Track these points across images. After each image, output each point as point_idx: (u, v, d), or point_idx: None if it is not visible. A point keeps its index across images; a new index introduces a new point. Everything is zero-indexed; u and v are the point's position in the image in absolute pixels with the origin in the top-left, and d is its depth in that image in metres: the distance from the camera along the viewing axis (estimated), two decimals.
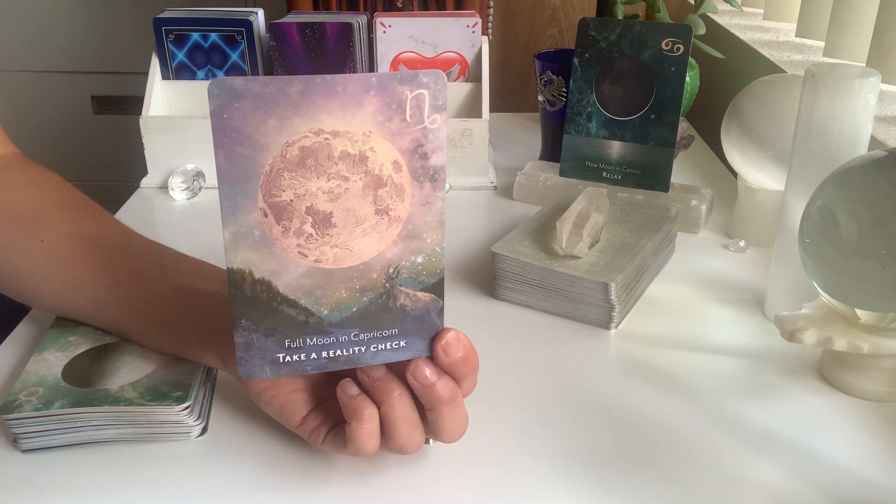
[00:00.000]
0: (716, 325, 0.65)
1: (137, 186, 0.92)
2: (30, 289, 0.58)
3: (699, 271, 0.74)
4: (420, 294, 0.44)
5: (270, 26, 0.92)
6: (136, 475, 0.48)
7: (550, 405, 0.55)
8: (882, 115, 0.80)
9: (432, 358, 0.45)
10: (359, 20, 0.94)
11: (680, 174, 0.94)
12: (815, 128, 0.58)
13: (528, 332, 0.64)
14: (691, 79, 0.99)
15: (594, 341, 0.63)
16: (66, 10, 1.89)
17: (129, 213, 0.87)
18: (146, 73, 0.94)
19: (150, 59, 0.94)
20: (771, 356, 0.61)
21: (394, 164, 0.40)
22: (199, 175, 0.90)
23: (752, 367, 0.60)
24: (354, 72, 0.94)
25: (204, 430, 0.52)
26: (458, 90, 0.97)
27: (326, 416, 0.48)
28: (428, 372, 0.44)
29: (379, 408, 0.45)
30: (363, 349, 0.44)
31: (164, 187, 0.91)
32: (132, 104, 1.61)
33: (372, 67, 0.98)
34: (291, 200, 0.40)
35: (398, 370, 0.45)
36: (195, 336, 0.51)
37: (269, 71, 0.96)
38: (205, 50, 0.93)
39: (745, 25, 1.17)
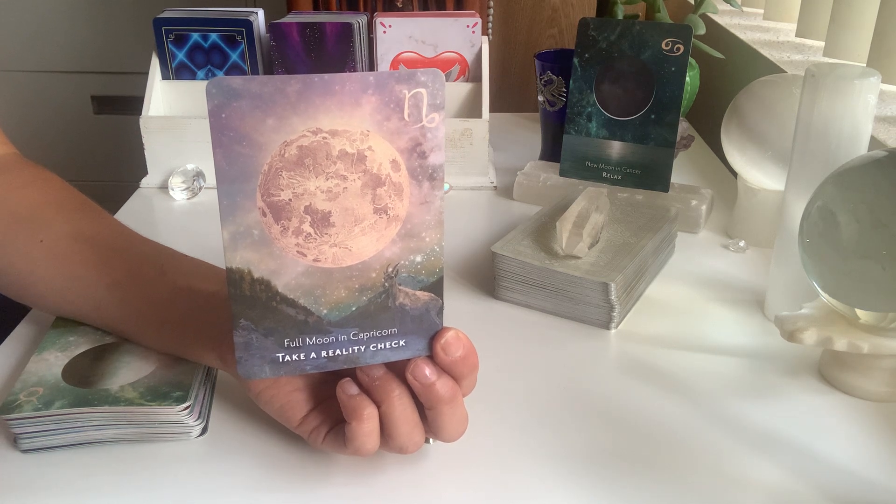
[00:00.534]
0: (716, 325, 0.65)
1: (137, 186, 0.92)
2: (29, 289, 0.58)
3: (699, 271, 0.74)
4: (419, 293, 0.44)
5: (270, 26, 0.92)
6: (136, 475, 0.48)
7: (550, 405, 0.55)
8: (882, 115, 0.80)
9: (432, 357, 0.45)
10: (359, 20, 0.94)
11: (680, 174, 0.94)
12: (815, 128, 0.58)
13: (528, 332, 0.64)
14: (691, 79, 0.99)
15: (594, 341, 0.63)
16: (66, 10, 1.89)
17: (129, 213, 0.87)
18: (146, 73, 0.94)
19: (150, 59, 0.94)
20: (771, 356, 0.61)
21: (392, 163, 0.40)
22: (198, 175, 0.90)
23: (752, 367, 0.60)
24: (354, 72, 0.94)
25: (204, 430, 0.52)
26: (458, 90, 0.97)
27: (326, 416, 0.47)
28: (427, 371, 0.44)
29: (379, 407, 0.45)
30: (362, 348, 0.44)
31: (164, 187, 0.91)
32: (132, 104, 1.60)
33: (372, 67, 0.98)
34: (290, 200, 0.40)
35: (398, 369, 0.45)
36: (195, 336, 0.51)
37: (269, 71, 0.96)
38: (205, 50, 0.93)
39: (745, 25, 1.17)
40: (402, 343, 0.44)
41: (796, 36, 1.07)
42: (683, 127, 0.86)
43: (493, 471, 0.49)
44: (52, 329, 0.57)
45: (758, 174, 0.75)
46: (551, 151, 0.95)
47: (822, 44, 1.00)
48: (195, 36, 0.93)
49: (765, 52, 1.02)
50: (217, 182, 0.38)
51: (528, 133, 1.11)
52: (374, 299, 0.43)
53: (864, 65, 0.87)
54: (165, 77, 0.95)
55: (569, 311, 0.66)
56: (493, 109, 1.09)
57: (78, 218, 0.60)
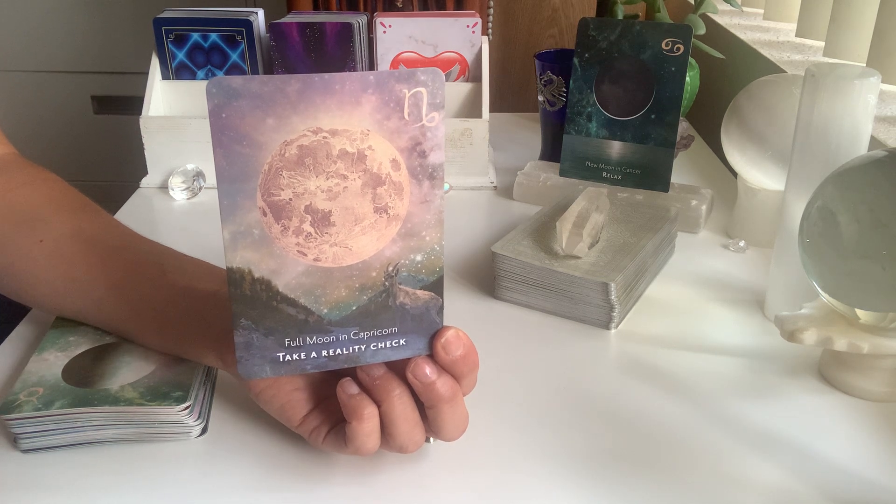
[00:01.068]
0: (716, 325, 0.65)
1: (137, 186, 0.92)
2: (29, 289, 0.58)
3: (699, 271, 0.74)
4: (419, 292, 0.44)
5: (270, 26, 0.92)
6: (136, 475, 0.48)
7: (550, 405, 0.55)
8: (882, 115, 0.80)
9: (432, 356, 0.45)
10: (359, 20, 0.94)
11: (680, 174, 0.94)
12: (815, 128, 0.58)
13: (528, 332, 0.64)
14: (691, 79, 0.99)
15: (594, 341, 0.63)
16: (66, 10, 1.89)
17: (129, 213, 0.87)
18: (146, 73, 0.94)
19: (150, 59, 0.94)
20: (771, 356, 0.61)
21: (392, 163, 0.40)
22: (199, 175, 0.90)
23: (752, 367, 0.60)
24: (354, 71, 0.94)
25: (204, 430, 0.52)
26: (458, 90, 0.97)
27: (327, 416, 0.47)
28: (428, 370, 0.44)
29: (379, 407, 0.45)
30: (363, 348, 0.44)
31: (164, 187, 0.91)
32: (132, 104, 1.61)
33: (372, 67, 0.98)
34: (290, 199, 0.40)
35: (398, 369, 0.45)
36: (195, 336, 0.51)
37: (269, 71, 0.96)
38: (205, 50, 0.93)
39: (745, 25, 1.17)
40: (402, 342, 0.44)
41: (796, 36, 1.07)
42: (683, 127, 0.86)
43: (493, 471, 0.49)
44: (52, 329, 0.57)
45: (758, 174, 0.75)
46: (551, 151, 0.95)
47: (822, 44, 1.00)
48: (195, 36, 0.93)
49: (765, 52, 1.02)
50: (217, 182, 0.38)
51: (528, 133, 1.11)
52: (375, 298, 0.43)
53: (864, 65, 0.87)
54: (165, 77, 0.95)
55: (569, 311, 0.66)
56: (493, 109, 1.09)
57: (78, 218, 0.60)
